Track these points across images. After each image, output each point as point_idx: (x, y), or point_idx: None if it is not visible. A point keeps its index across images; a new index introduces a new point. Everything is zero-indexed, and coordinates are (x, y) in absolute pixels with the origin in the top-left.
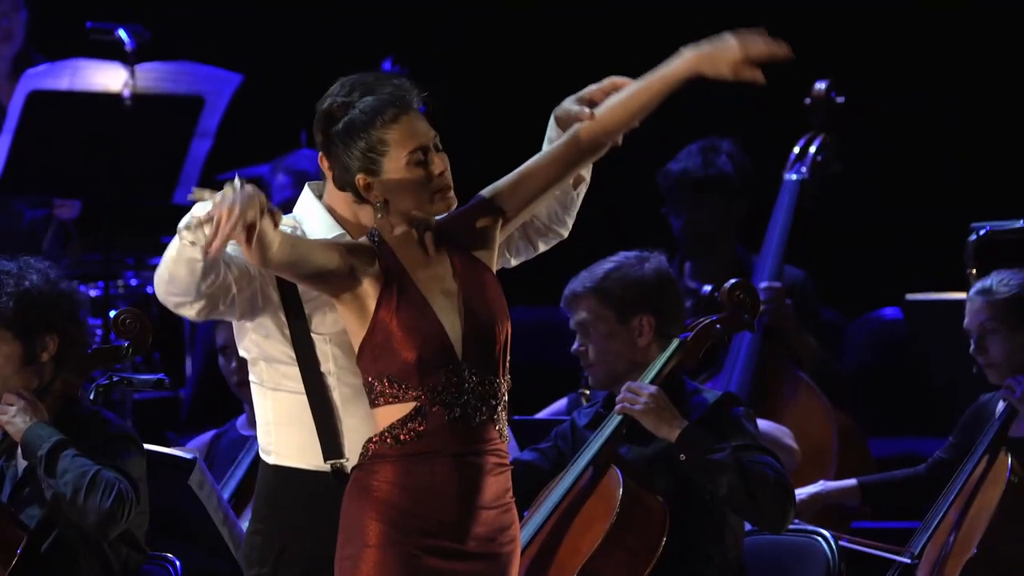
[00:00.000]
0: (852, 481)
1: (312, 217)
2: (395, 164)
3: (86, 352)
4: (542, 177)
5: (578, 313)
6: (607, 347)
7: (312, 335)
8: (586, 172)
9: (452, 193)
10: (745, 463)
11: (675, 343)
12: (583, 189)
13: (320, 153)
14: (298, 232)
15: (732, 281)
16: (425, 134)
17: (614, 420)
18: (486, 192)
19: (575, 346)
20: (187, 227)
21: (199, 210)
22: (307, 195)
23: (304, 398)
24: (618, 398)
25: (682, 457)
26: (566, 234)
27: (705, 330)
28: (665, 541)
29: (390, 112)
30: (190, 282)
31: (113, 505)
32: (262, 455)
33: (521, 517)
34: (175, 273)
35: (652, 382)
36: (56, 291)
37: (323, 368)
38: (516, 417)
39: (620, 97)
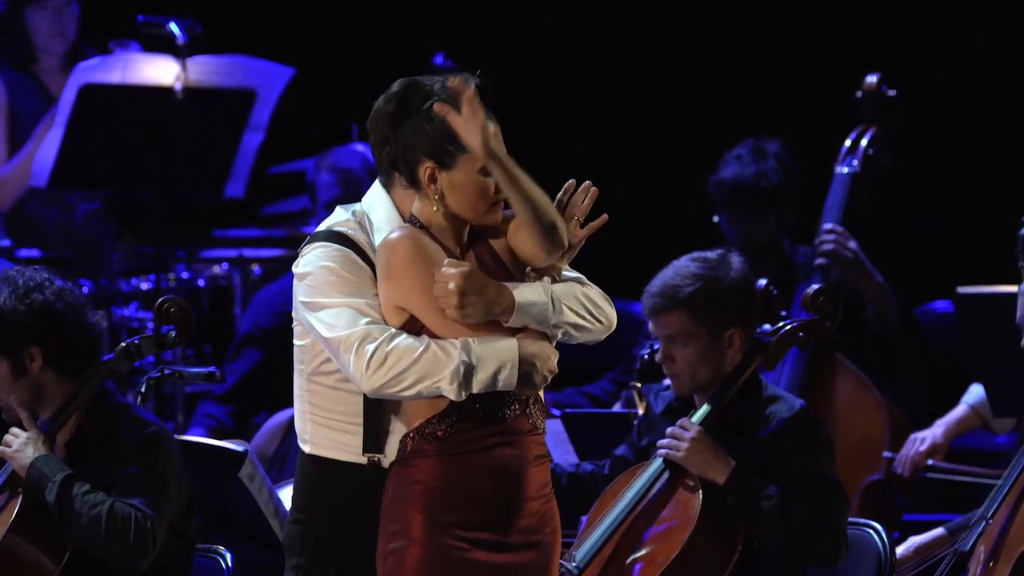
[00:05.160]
0: (940, 531)
1: (379, 208)
2: (470, 166)
3: (92, 348)
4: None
5: (665, 328)
6: (698, 362)
7: None
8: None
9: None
10: (791, 513)
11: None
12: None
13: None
14: (364, 222)
15: (815, 287)
16: None
17: (655, 463)
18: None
19: (659, 356)
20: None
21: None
22: (376, 187)
23: (339, 393)
24: (661, 442)
25: (731, 502)
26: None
27: (788, 336)
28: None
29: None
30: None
31: (135, 541)
32: (300, 443)
33: None
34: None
35: (703, 421)
36: (23, 305)
37: None
38: (569, 411)
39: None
